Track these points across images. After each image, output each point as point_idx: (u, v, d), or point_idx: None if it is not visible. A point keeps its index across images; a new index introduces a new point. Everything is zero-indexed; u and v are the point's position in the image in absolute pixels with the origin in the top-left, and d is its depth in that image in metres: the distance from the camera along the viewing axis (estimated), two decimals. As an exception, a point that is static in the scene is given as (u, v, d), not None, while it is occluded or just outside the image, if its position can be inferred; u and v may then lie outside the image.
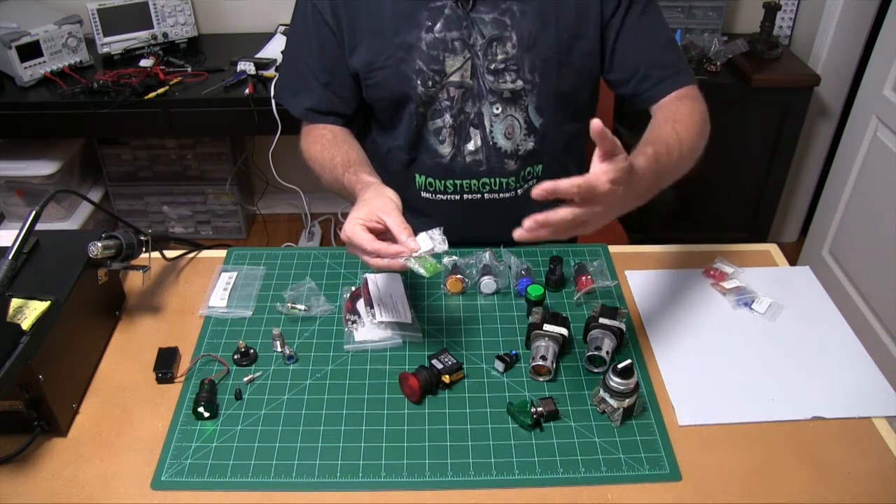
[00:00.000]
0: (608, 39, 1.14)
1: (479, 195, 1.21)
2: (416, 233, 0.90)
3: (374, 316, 1.05)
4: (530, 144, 1.18)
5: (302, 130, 1.23)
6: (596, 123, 0.77)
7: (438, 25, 1.09)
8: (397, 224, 0.89)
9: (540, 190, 0.77)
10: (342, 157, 1.11)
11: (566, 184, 0.78)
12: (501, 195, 1.22)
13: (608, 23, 1.12)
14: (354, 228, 0.90)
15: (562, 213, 0.80)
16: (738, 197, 2.50)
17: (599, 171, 0.80)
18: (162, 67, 2.19)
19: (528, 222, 0.79)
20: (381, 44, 1.10)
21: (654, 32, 1.15)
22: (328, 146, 1.15)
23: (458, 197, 1.22)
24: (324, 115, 1.19)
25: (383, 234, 0.91)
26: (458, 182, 1.20)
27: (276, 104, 2.03)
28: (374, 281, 1.11)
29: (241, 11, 2.47)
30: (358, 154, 1.14)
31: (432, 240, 0.91)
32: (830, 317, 1.09)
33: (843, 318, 1.09)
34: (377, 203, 0.92)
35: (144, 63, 2.21)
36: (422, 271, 0.88)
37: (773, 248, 1.25)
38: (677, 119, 1.07)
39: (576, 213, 0.80)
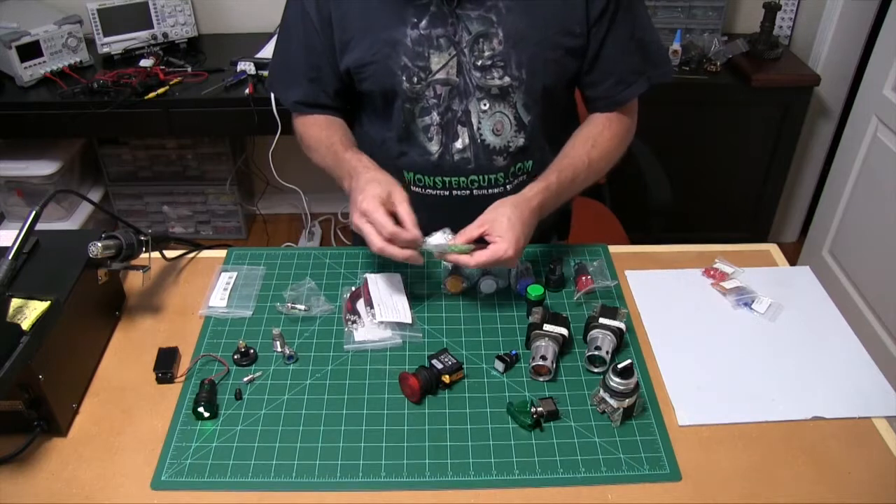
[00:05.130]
0: (593, 42, 1.15)
1: (468, 191, 1.22)
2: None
3: (374, 316, 1.05)
4: (521, 141, 1.18)
5: (294, 118, 1.28)
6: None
7: (424, 22, 1.09)
8: (408, 213, 0.98)
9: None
10: (340, 137, 1.19)
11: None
12: (490, 191, 1.22)
13: (595, 25, 1.13)
14: (376, 206, 0.97)
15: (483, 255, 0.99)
16: (738, 197, 2.50)
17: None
18: (162, 67, 2.19)
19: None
20: (371, 40, 1.12)
21: (634, 32, 1.17)
22: (325, 126, 1.22)
23: (447, 193, 1.22)
24: (311, 108, 1.24)
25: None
26: (446, 179, 1.21)
27: (275, 102, 2.03)
28: (375, 281, 1.11)
29: (241, 11, 2.47)
30: (353, 139, 1.22)
31: (445, 238, 1.01)
32: (830, 317, 1.09)
33: (843, 318, 1.09)
34: (395, 189, 1.00)
35: (144, 63, 2.21)
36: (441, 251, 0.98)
37: (773, 248, 1.25)
38: (596, 144, 1.18)
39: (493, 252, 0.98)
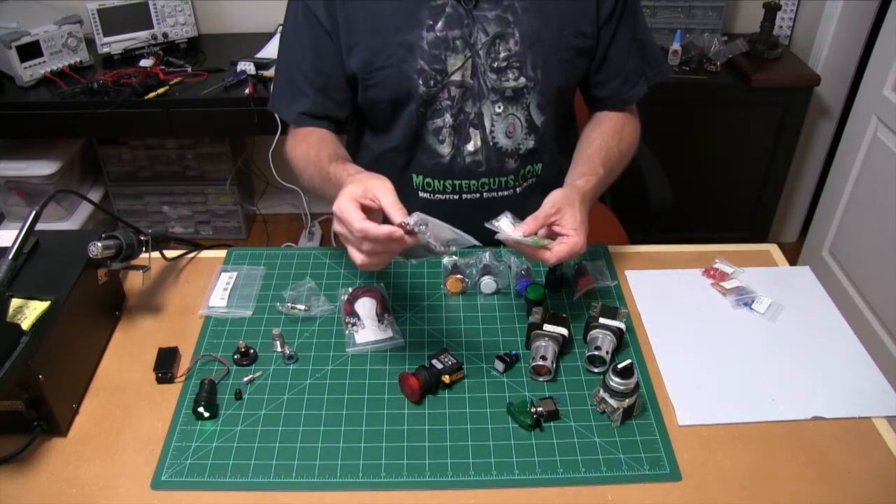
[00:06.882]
0: (603, 42, 1.16)
1: (478, 194, 1.22)
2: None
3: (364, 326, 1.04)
4: (531, 143, 1.18)
5: (289, 133, 1.21)
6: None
7: (440, 24, 1.09)
8: (392, 204, 0.83)
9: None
10: (329, 152, 1.09)
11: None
12: (500, 193, 1.22)
13: (604, 25, 1.14)
14: (348, 204, 0.83)
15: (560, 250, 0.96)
16: (738, 197, 2.50)
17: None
18: (162, 67, 2.19)
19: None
20: (381, 43, 1.10)
21: (637, 32, 1.18)
22: (314, 143, 1.13)
23: (456, 197, 1.22)
24: (317, 120, 1.17)
25: (374, 213, 0.86)
26: (457, 182, 1.20)
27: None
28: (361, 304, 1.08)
29: (241, 11, 2.47)
30: (345, 153, 1.12)
31: (510, 223, 0.97)
32: (830, 317, 1.09)
33: (843, 318, 1.09)
34: (374, 183, 0.86)
35: (144, 63, 2.21)
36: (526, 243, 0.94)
37: (773, 248, 1.25)
38: (622, 139, 1.19)
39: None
